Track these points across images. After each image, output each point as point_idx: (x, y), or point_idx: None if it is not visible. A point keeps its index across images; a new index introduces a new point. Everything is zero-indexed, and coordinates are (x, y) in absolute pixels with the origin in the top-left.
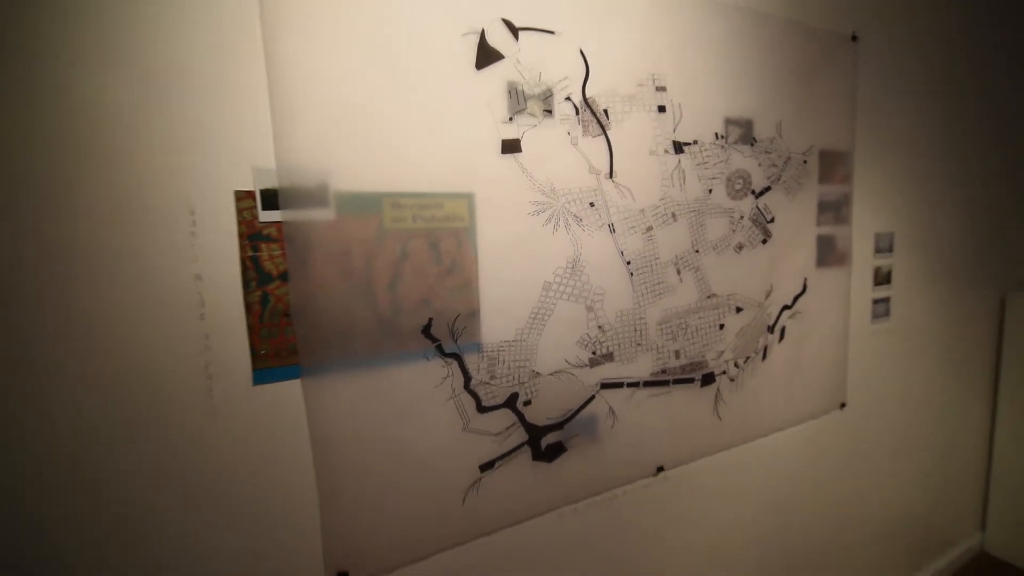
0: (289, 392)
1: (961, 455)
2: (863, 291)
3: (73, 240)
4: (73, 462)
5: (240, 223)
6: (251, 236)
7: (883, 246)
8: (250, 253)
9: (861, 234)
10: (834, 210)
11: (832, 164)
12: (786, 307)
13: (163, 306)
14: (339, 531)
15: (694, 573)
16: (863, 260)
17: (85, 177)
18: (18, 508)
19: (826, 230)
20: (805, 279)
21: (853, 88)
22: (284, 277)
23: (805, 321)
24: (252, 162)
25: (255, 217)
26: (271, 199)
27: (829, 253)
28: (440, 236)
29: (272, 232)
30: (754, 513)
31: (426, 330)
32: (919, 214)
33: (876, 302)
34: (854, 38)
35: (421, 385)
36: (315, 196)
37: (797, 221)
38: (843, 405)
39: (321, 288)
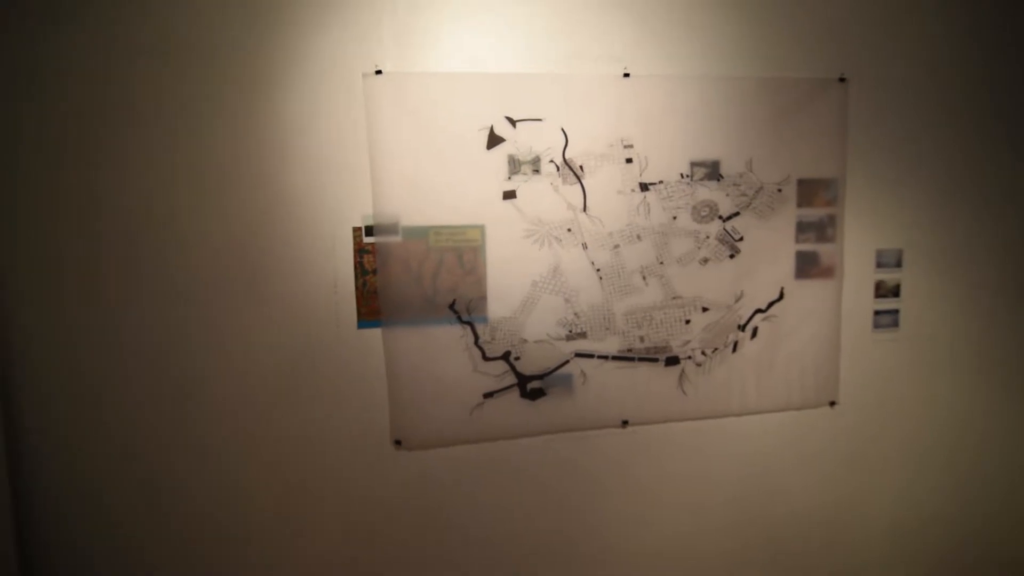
0: (375, 334)
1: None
2: (862, 302)
3: (279, 251)
4: (269, 361)
5: (355, 243)
6: (360, 250)
7: (887, 261)
8: (358, 259)
9: (859, 251)
10: (816, 229)
11: (813, 190)
12: (759, 310)
13: (318, 285)
14: (398, 417)
15: (667, 514)
16: (861, 274)
17: (289, 217)
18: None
19: (807, 247)
20: (782, 288)
21: (842, 122)
22: (374, 272)
23: (782, 324)
24: (362, 211)
25: (361, 240)
26: (369, 230)
27: (812, 267)
28: (463, 251)
29: (369, 248)
30: (733, 479)
31: (451, 306)
32: (934, 232)
33: (879, 313)
34: (842, 79)
35: (447, 340)
36: (391, 228)
37: (771, 239)
38: (833, 403)
39: (393, 279)
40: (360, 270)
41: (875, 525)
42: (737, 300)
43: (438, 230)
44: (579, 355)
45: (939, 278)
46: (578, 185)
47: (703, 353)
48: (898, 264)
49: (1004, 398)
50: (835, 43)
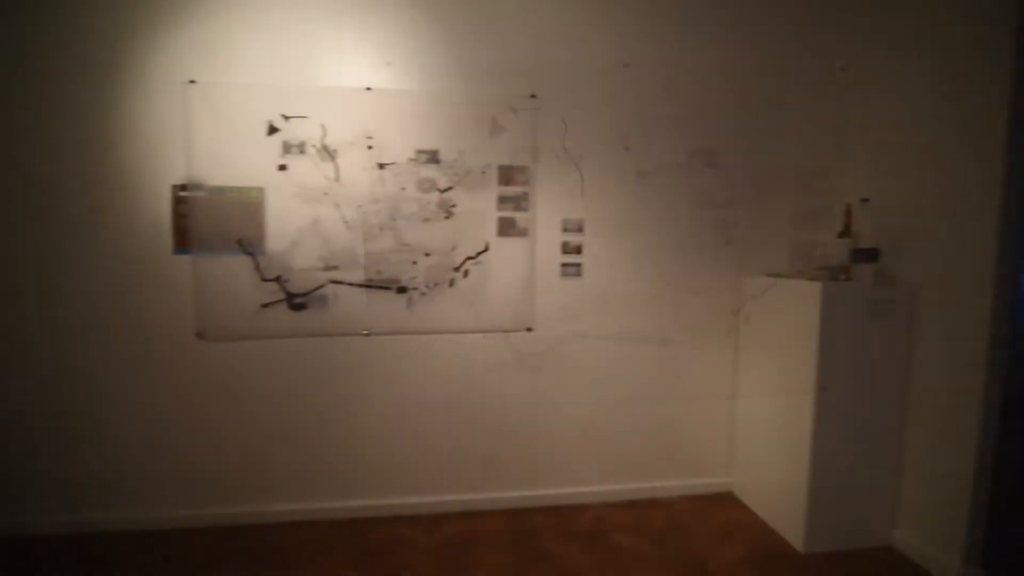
0: (187, 259)
1: (702, 403)
2: (552, 256)
3: (120, 198)
4: (108, 274)
5: (173, 195)
6: (177, 201)
7: (572, 228)
8: (175, 206)
9: (549, 219)
10: (514, 202)
11: (511, 174)
12: (470, 258)
13: (148, 223)
14: (200, 316)
15: (401, 402)
16: (551, 235)
17: (128, 174)
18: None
19: (507, 214)
20: (487, 243)
21: (533, 127)
22: (186, 216)
23: (488, 268)
24: (179, 174)
25: (178, 193)
26: (184, 187)
27: (511, 228)
28: (249, 204)
29: (184, 199)
30: (455, 380)
31: (239, 242)
32: (604, 209)
33: (566, 265)
34: (533, 96)
35: (236, 265)
36: (198, 186)
37: (478, 207)
38: (530, 329)
39: (200, 221)
40: (176, 214)
41: (566, 421)
42: (453, 249)
43: (232, 189)
44: (333, 282)
45: (611, 241)
46: (332, 163)
47: (427, 286)
48: (580, 230)
49: (652, 326)
50: (530, 69)
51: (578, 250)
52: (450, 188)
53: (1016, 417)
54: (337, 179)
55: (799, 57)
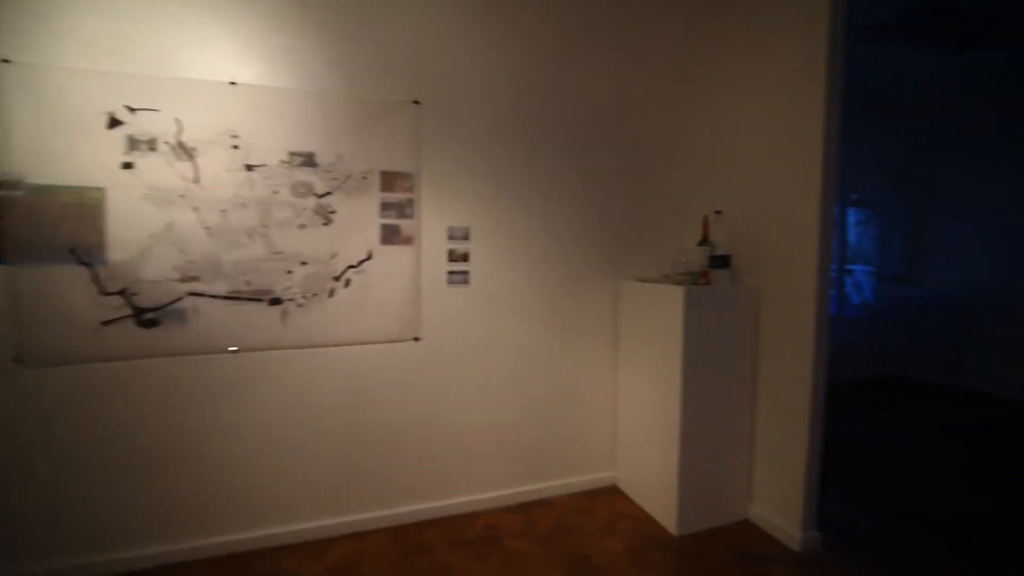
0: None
1: (588, 402)
2: (438, 264)
3: None
4: None
5: None
6: None
7: (458, 235)
8: None
9: (434, 226)
10: (398, 208)
11: (394, 179)
12: (351, 266)
13: None
14: (22, 333)
15: (278, 424)
16: (437, 243)
17: None
18: None
19: (391, 221)
20: (370, 250)
21: (417, 133)
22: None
23: (371, 277)
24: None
25: None
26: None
27: (395, 235)
28: (85, 206)
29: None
30: (339, 395)
31: (72, 250)
32: (492, 217)
33: (452, 272)
34: (416, 102)
35: (68, 276)
36: (14, 185)
37: (360, 213)
38: (416, 339)
39: (16, 225)
40: None
41: (455, 431)
42: (332, 257)
43: (63, 189)
44: (192, 294)
45: (498, 249)
46: (190, 162)
47: (304, 297)
48: (466, 238)
49: (543, 333)
50: (411, 74)
51: (465, 257)
52: (328, 193)
53: (835, 401)
54: (196, 180)
55: (675, 72)
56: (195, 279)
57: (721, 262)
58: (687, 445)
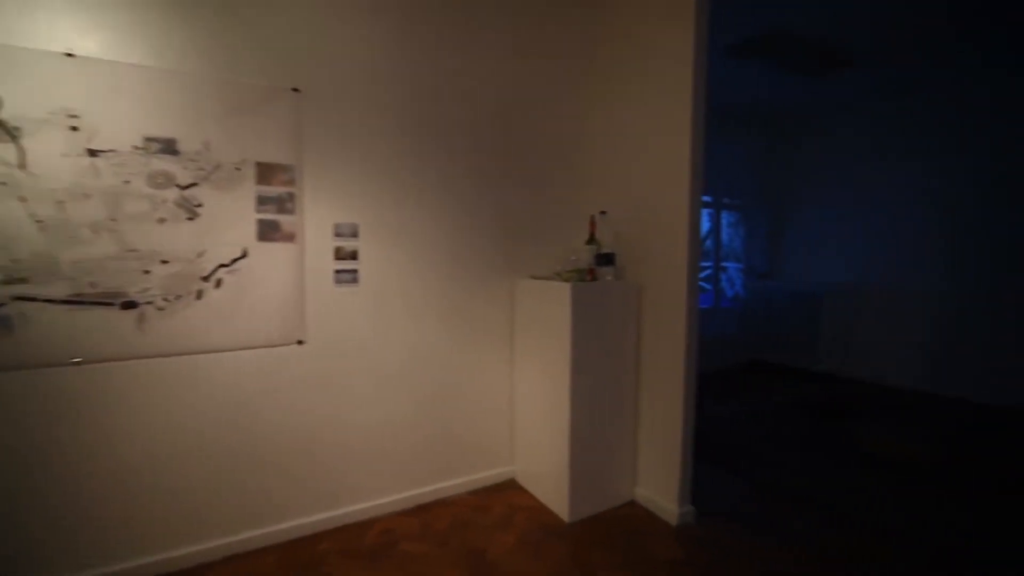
0: None
1: (485, 399)
2: (324, 262)
3: None
4: None
5: None
6: None
7: (345, 232)
8: None
9: (319, 222)
10: (277, 203)
11: (272, 172)
12: (223, 265)
13: None
14: None
15: (135, 443)
16: (323, 240)
17: None
18: None
19: (269, 216)
20: (245, 248)
21: (298, 123)
22: None
23: (247, 277)
24: None
25: None
26: None
27: (274, 232)
28: None
29: None
30: (216, 406)
31: None
32: (382, 214)
33: (340, 271)
34: (295, 90)
35: None
36: None
37: (232, 207)
38: (301, 342)
39: None
40: None
41: (347, 436)
42: (199, 256)
43: None
44: (20, 298)
45: (388, 247)
46: (13, 144)
47: (166, 299)
48: (355, 235)
49: (438, 331)
50: (290, 60)
51: (354, 256)
52: (193, 185)
53: (711, 385)
54: (22, 165)
55: (555, 73)
56: (22, 281)
57: (606, 260)
58: (577, 435)
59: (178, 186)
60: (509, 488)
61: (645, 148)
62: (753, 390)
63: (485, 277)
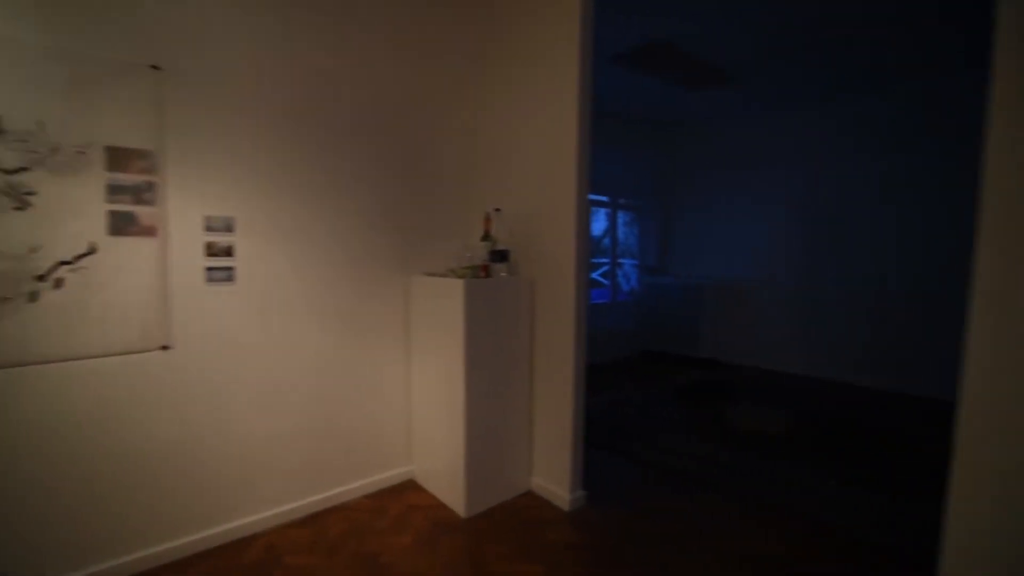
0: None
1: (381, 399)
2: (194, 259)
3: None
4: None
5: None
6: None
7: (218, 227)
8: None
9: (186, 215)
10: (133, 193)
11: (127, 158)
12: (64, 263)
13: None
14: None
15: None
16: (191, 235)
17: None
18: None
19: (123, 207)
20: (92, 243)
21: (158, 105)
22: None
23: (96, 275)
24: None
25: None
26: None
27: (130, 225)
28: None
29: None
30: (57, 429)
31: None
32: (264, 208)
33: (212, 269)
34: (156, 67)
35: None
36: None
37: (75, 196)
38: (166, 347)
39: None
40: None
41: (225, 449)
42: (33, 252)
43: None
44: None
45: (270, 244)
46: None
47: None
48: (230, 229)
49: (327, 332)
50: (149, 33)
51: (228, 252)
52: (24, 169)
53: (607, 375)
54: None
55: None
56: None
57: (500, 256)
58: (472, 430)
59: (3, 170)
60: (408, 488)
61: (535, 148)
62: (644, 377)
63: (378, 275)
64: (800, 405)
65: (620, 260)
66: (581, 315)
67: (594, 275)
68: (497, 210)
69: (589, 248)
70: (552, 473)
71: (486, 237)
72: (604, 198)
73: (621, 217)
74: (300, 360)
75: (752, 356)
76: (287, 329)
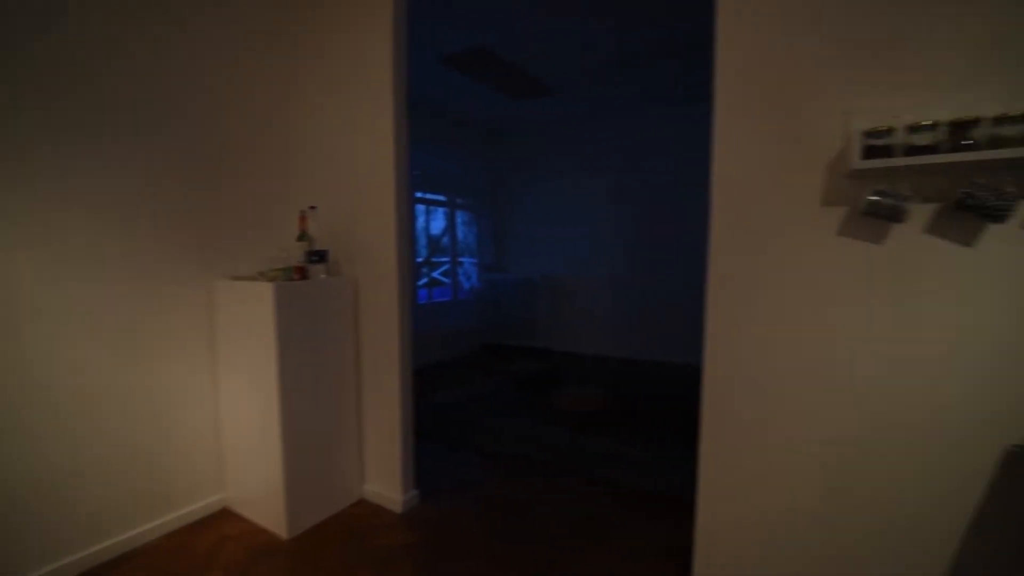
0: None
1: (181, 423)
2: None
3: None
4: None
5: None
6: None
7: None
8: None
9: None
10: None
11: None
12: None
13: None
14: None
15: None
16: None
17: None
18: None
19: None
20: None
21: None
22: None
23: None
24: None
25: None
26: None
27: None
28: None
29: None
30: None
31: None
32: (22, 206)
33: None
34: None
35: None
36: None
37: None
38: None
39: None
40: None
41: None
42: None
43: None
44: None
45: (20, 248)
46: None
47: None
48: None
49: (107, 349)
50: None
51: None
52: None
53: (447, 372)
54: None
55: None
56: None
57: (319, 256)
58: (291, 445)
59: None
60: (221, 518)
61: (353, 145)
62: (485, 371)
63: (175, 281)
64: (616, 383)
65: (460, 259)
66: (406, 314)
67: (435, 274)
68: (313, 208)
69: (412, 247)
70: (384, 477)
71: (302, 237)
72: (442, 198)
73: (460, 216)
74: (70, 386)
75: (579, 343)
76: (49, 352)
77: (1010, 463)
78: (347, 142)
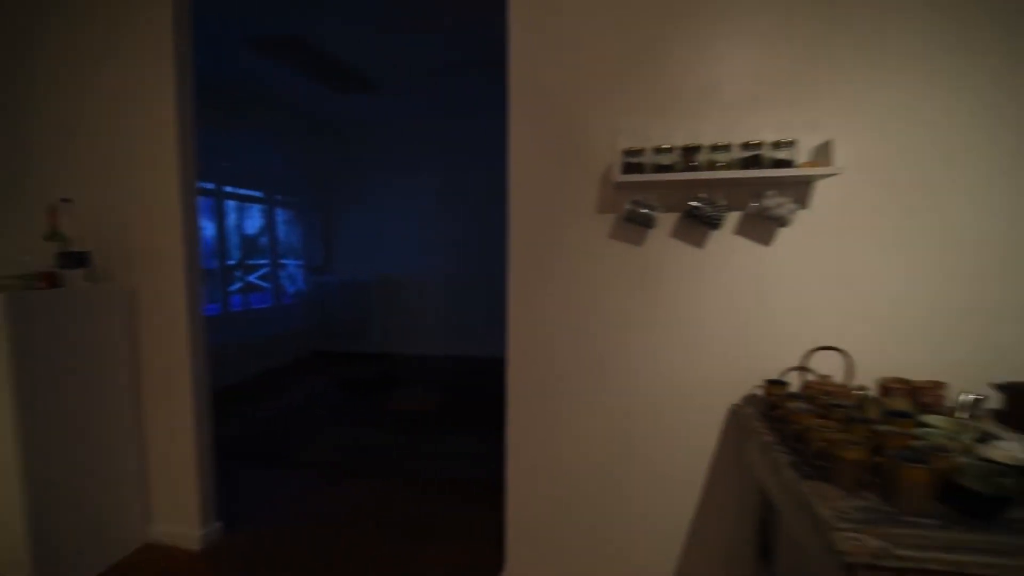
0: None
1: None
2: None
3: None
4: None
5: None
6: None
7: None
8: None
9: None
10: None
11: None
12: None
13: None
14: None
15: None
16: None
17: None
18: None
19: None
20: None
21: None
22: None
23: None
24: None
25: None
26: None
27: None
28: None
29: None
30: None
31: None
32: None
33: None
34: None
35: None
36: None
37: None
38: None
39: None
40: None
41: None
42: None
43: None
44: None
45: None
46: None
47: None
48: None
49: None
50: None
51: None
52: None
53: (268, 382)
54: None
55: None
56: None
57: (77, 260)
58: (40, 492)
59: None
60: None
61: (125, 129)
62: (313, 379)
63: None
64: (449, 381)
65: (283, 260)
66: (197, 325)
67: (251, 278)
68: (66, 200)
69: (199, 247)
70: (177, 513)
71: (53, 236)
72: (258, 194)
73: (280, 215)
74: None
75: (415, 344)
76: None
77: (732, 417)
78: (116, 124)
